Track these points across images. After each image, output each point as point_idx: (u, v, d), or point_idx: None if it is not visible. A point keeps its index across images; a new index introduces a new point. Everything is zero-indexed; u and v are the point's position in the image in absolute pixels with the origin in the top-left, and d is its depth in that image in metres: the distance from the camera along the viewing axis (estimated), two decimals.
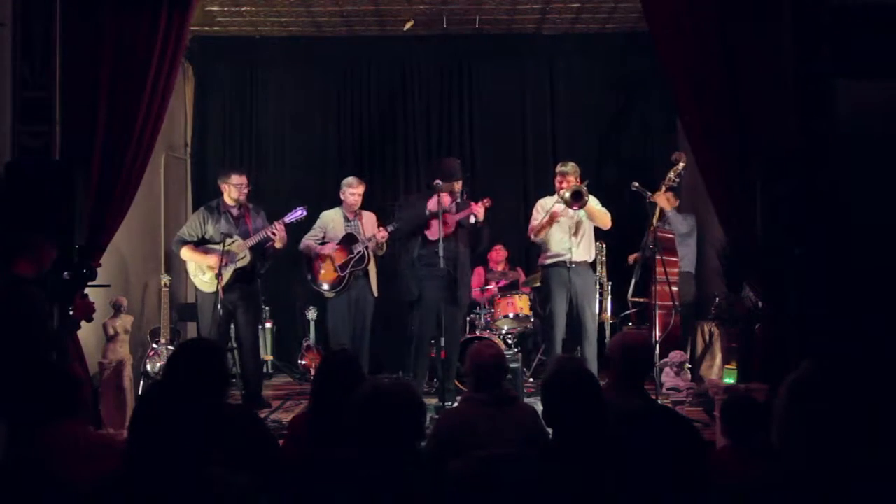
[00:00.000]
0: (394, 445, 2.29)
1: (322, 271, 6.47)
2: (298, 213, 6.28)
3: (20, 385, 2.85)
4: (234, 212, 6.26)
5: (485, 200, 6.08)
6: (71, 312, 4.94)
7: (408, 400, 2.38)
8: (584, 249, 6.23)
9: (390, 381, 2.54)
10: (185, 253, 6.21)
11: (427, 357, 6.33)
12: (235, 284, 6.12)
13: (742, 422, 3.25)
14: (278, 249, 6.28)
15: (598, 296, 6.67)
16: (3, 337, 3.92)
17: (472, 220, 6.04)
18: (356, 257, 6.44)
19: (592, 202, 6.17)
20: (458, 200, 6.16)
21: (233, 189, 6.22)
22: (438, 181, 5.92)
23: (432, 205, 5.92)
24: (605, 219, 6.19)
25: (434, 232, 5.89)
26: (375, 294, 6.63)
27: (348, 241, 6.49)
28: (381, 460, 2.28)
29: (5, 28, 5.09)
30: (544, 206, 6.29)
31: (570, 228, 6.19)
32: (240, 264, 6.12)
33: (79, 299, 4.95)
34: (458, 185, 6.11)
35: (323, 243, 6.52)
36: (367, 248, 6.45)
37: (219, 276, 5.96)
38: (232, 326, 6.41)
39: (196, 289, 6.30)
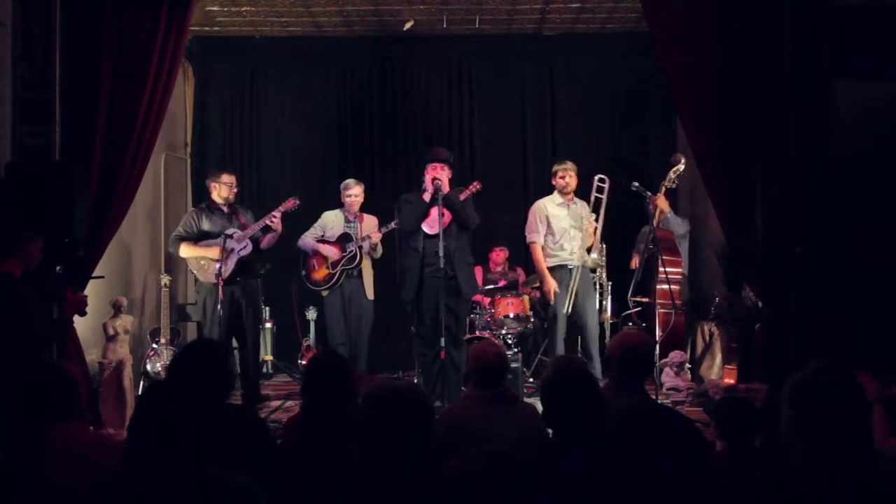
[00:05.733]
0: (400, 449, 2.28)
1: (315, 268, 6.63)
2: (291, 203, 6.32)
3: (15, 386, 2.82)
4: (225, 209, 6.27)
5: (474, 184, 6.14)
6: (63, 307, 4.92)
7: (417, 404, 2.37)
8: (582, 252, 6.37)
9: (402, 384, 2.51)
10: (185, 250, 6.18)
11: (435, 358, 5.82)
12: (238, 277, 6.11)
13: (736, 424, 3.25)
14: (272, 243, 6.28)
15: (597, 296, 6.70)
16: None
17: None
18: (347, 256, 6.55)
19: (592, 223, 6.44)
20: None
21: (223, 188, 6.23)
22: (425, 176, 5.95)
23: (428, 192, 5.87)
24: (589, 239, 6.39)
25: (431, 223, 5.84)
26: (371, 297, 6.63)
27: (343, 239, 6.62)
28: (387, 463, 2.27)
29: (5, 28, 5.08)
30: (541, 211, 6.41)
31: (572, 231, 6.34)
32: (242, 254, 6.11)
33: (70, 294, 4.93)
34: (443, 170, 5.90)
35: (322, 242, 6.62)
36: (359, 248, 6.54)
37: (220, 270, 5.92)
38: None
39: (198, 282, 6.24)
